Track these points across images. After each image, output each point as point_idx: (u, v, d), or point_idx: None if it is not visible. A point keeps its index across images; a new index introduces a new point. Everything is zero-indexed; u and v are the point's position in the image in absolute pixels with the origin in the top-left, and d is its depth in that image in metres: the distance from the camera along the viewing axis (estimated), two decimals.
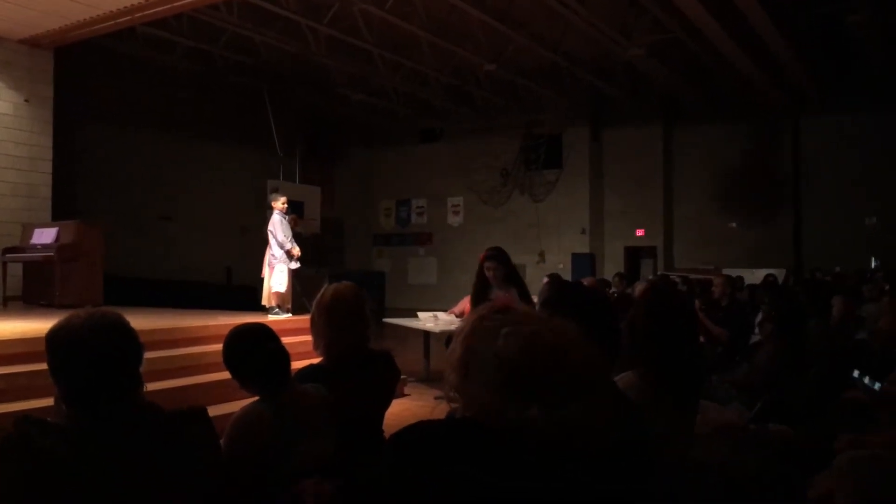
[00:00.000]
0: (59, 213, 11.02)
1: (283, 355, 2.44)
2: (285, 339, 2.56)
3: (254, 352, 2.38)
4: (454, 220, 21.73)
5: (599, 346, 1.46)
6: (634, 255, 19.09)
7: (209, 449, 1.92)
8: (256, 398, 2.39)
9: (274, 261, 8.70)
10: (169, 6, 9.35)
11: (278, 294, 8.63)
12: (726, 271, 11.86)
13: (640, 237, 18.87)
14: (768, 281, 10.14)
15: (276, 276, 8.65)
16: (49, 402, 1.79)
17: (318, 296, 2.79)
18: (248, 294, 9.17)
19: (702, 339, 6.91)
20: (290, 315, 8.54)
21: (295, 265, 8.83)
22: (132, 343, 1.80)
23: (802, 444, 3.17)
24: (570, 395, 1.25)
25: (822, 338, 4.70)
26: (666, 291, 2.59)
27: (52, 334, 1.77)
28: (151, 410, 1.81)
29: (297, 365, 2.69)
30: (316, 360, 2.87)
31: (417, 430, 1.29)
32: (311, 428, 2.31)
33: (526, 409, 1.24)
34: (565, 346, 1.29)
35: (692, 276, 11.12)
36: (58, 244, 8.83)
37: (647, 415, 1.94)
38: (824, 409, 3.56)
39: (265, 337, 2.44)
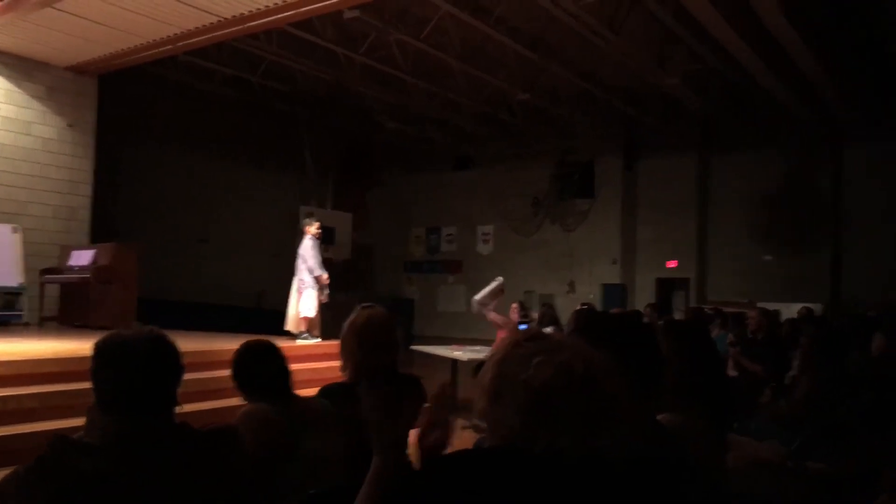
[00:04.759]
0: (97, 235, 11.23)
1: (285, 372, 2.62)
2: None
3: (258, 367, 2.58)
4: (484, 248, 21.68)
5: (638, 376, 1.44)
6: (667, 287, 18.81)
7: (240, 468, 1.91)
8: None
9: (303, 286, 8.70)
10: (210, 35, 9.57)
11: (307, 319, 8.64)
12: (761, 305, 11.63)
13: (673, 268, 18.61)
14: (806, 313, 9.89)
15: (305, 301, 8.66)
16: (81, 421, 1.79)
17: (351, 318, 2.80)
18: (278, 318, 9.26)
19: (733, 373, 6.77)
20: (319, 340, 8.56)
21: (325, 293, 8.83)
22: (175, 361, 1.84)
23: (844, 479, 3.06)
24: (600, 425, 1.24)
25: (864, 369, 4.57)
26: (674, 324, 2.57)
27: (101, 340, 1.83)
28: (183, 429, 1.81)
29: None
30: None
31: (451, 460, 1.28)
32: (316, 431, 2.34)
33: (555, 437, 1.23)
34: (596, 376, 1.28)
35: (726, 309, 10.93)
36: (94, 266, 8.98)
37: (679, 444, 1.91)
38: (868, 443, 3.44)
39: (270, 353, 2.56)
